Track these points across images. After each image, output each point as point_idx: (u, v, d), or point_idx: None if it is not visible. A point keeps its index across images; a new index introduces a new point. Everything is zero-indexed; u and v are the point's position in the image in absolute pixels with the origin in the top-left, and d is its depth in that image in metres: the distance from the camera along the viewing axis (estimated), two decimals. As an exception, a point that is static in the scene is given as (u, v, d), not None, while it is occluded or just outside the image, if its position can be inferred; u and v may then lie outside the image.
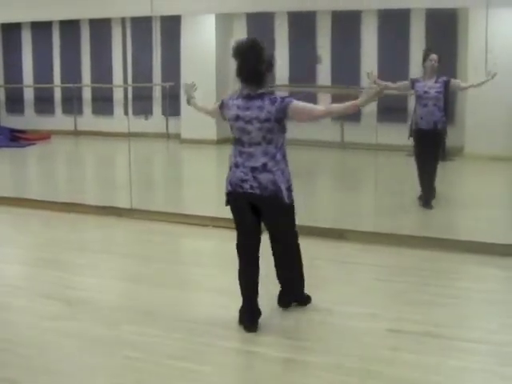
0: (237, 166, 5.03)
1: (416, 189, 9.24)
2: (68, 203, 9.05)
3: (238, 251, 5.22)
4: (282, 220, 5.29)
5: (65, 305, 5.59)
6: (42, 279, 6.30)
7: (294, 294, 5.54)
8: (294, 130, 14.61)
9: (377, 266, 6.71)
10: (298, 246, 5.53)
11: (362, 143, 12.17)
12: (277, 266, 5.47)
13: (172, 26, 14.16)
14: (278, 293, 5.51)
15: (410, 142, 9.45)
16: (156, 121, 14.77)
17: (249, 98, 5.01)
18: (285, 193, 5.04)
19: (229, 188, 5.09)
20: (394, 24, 13.01)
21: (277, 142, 5.00)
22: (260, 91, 5.00)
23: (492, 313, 5.48)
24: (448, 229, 7.93)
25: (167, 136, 14.10)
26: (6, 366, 4.53)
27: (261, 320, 5.16)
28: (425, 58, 8.93)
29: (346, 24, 13.53)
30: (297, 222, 7.80)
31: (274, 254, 5.43)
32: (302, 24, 13.99)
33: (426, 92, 8.82)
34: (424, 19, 12.80)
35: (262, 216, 5.17)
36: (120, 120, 14.93)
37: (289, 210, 5.26)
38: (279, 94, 5.08)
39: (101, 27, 15.50)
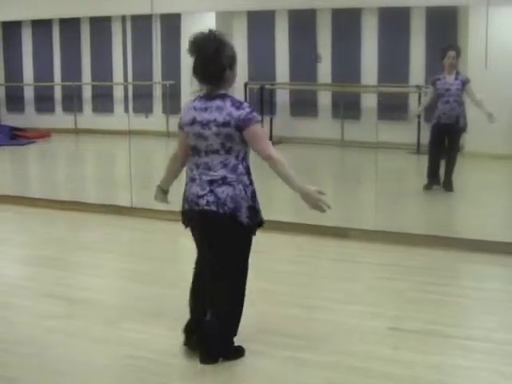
0: (193, 179, 4.35)
1: (417, 186, 9.25)
2: (68, 201, 9.05)
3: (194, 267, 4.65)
4: (232, 248, 4.37)
5: (65, 304, 5.58)
6: (43, 278, 6.29)
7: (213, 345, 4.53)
8: (293, 128, 14.72)
9: (378, 265, 6.71)
10: (242, 294, 4.53)
11: (362, 141, 12.17)
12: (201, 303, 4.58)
13: (172, 24, 14.14)
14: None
15: (411, 139, 9.50)
16: (156, 119, 14.76)
17: (208, 98, 4.34)
18: (244, 212, 4.27)
19: (185, 206, 4.43)
20: (394, 22, 13.00)
21: (238, 152, 4.29)
22: (222, 92, 4.36)
23: (494, 311, 5.47)
24: (450, 227, 7.92)
25: (167, 134, 14.09)
26: (6, 365, 4.52)
27: (261, 319, 5.16)
28: (443, 56, 9.26)
29: (347, 22, 13.52)
30: (298, 221, 7.88)
31: (204, 291, 4.54)
32: (303, 22, 13.99)
33: (447, 89, 9.22)
34: (424, 17, 12.80)
35: (207, 241, 4.41)
36: (120, 118, 14.93)
37: (245, 237, 4.40)
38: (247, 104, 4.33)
39: (101, 25, 15.49)
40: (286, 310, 5.41)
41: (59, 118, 16.28)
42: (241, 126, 4.21)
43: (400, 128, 12.52)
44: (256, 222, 4.41)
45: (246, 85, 14.13)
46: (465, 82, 9.20)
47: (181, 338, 4.49)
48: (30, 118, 16.42)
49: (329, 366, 4.45)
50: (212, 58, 4.27)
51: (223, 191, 4.23)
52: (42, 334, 4.99)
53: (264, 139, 4.33)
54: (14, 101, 16.84)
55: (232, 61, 4.41)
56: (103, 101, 15.81)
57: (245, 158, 4.34)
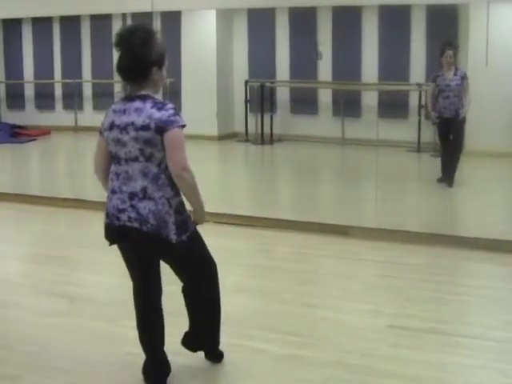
0: (113, 191, 3.90)
1: (417, 184, 9.25)
2: (69, 199, 9.05)
3: (133, 298, 4.22)
4: (179, 264, 4.10)
5: (66, 301, 5.59)
6: (44, 276, 6.29)
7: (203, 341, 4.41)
8: (294, 126, 14.74)
9: (378, 262, 6.71)
10: (217, 300, 4.31)
11: (362, 139, 12.18)
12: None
13: (172, 21, 14.15)
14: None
15: (412, 137, 9.55)
16: (157, 116, 14.75)
17: (128, 99, 3.86)
18: (172, 229, 3.81)
19: (105, 220, 3.99)
20: (394, 20, 13.03)
21: (160, 160, 3.80)
22: (143, 92, 3.85)
23: (494, 310, 5.48)
24: (450, 225, 7.92)
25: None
26: (7, 362, 4.53)
27: (261, 316, 5.18)
28: (441, 54, 9.48)
29: (347, 20, 13.55)
30: (295, 218, 7.89)
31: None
32: (303, 20, 14.01)
33: (447, 85, 9.47)
34: (425, 14, 12.82)
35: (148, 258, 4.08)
36: (121, 116, 14.91)
37: (183, 251, 3.94)
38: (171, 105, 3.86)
39: (101, 23, 15.49)
40: (286, 308, 5.42)
41: (59, 116, 16.30)
42: (161, 128, 3.72)
43: (400, 126, 12.54)
44: (186, 233, 3.91)
45: (246, 82, 14.14)
46: (463, 78, 9.43)
47: (180, 334, 4.47)
48: (30, 116, 16.43)
49: (328, 363, 4.45)
50: (138, 51, 3.76)
51: (145, 207, 3.79)
52: (43, 332, 4.99)
53: (183, 148, 3.78)
54: (15, 98, 16.86)
55: (161, 59, 3.88)
56: (104, 98, 15.76)
57: (167, 168, 3.82)
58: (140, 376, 4.18)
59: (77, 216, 8.51)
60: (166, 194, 3.81)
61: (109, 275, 6.32)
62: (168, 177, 3.81)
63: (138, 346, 4.27)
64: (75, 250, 7.13)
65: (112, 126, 3.84)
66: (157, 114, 3.75)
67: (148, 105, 3.79)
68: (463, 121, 9.48)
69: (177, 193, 3.86)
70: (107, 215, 3.96)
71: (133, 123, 3.77)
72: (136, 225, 3.82)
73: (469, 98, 9.44)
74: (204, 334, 4.38)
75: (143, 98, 3.82)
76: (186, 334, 4.38)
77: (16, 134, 15.31)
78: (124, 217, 3.85)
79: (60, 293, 5.78)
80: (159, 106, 3.79)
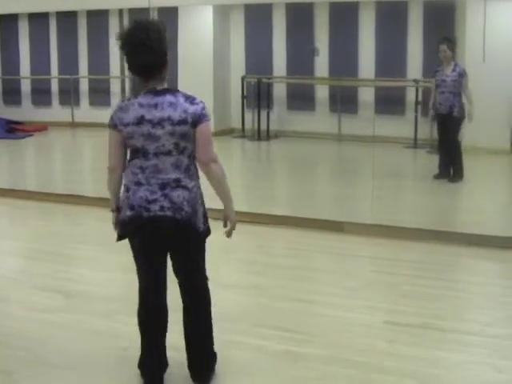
0: (139, 183, 3.82)
1: (413, 180, 9.25)
2: (65, 195, 9.04)
3: (140, 297, 4.13)
4: (194, 257, 4.07)
5: (62, 297, 5.59)
6: (40, 271, 6.29)
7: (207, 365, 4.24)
8: (290, 122, 14.71)
9: (374, 258, 6.72)
10: (209, 300, 4.19)
11: (359, 135, 12.18)
12: (186, 324, 4.16)
13: (169, 17, 14.12)
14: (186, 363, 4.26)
15: (408, 133, 9.57)
16: (153, 112, 14.75)
17: (155, 93, 3.83)
18: (200, 218, 3.92)
19: (127, 213, 3.85)
20: (391, 15, 13.03)
21: (191, 151, 3.86)
22: (164, 86, 3.88)
23: (490, 306, 5.48)
24: (447, 221, 7.93)
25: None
26: (3, 358, 4.53)
27: (257, 313, 5.18)
28: (438, 49, 9.53)
29: (344, 15, 13.54)
30: (291, 214, 7.89)
31: (183, 307, 4.16)
32: (300, 15, 14.00)
33: (443, 80, 9.47)
34: (422, 10, 12.83)
35: (169, 252, 4.03)
36: (117, 112, 14.91)
37: (202, 243, 4.07)
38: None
39: (98, 19, 15.48)
40: (281, 304, 5.42)
41: (56, 112, 16.28)
42: (196, 121, 3.79)
43: (397, 122, 12.54)
44: (206, 225, 4.00)
45: (243, 78, 14.14)
46: (461, 74, 9.40)
47: (177, 330, 4.45)
48: (26, 112, 16.42)
49: (325, 359, 4.46)
50: (157, 46, 3.76)
51: (179, 195, 3.81)
52: (39, 327, 4.99)
53: (212, 141, 3.89)
54: (11, 94, 16.85)
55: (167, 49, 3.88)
56: (100, 94, 15.80)
57: (195, 158, 3.91)
58: (136, 371, 4.18)
59: (73, 212, 8.51)
60: (197, 183, 3.90)
61: (105, 271, 6.32)
62: (196, 168, 3.91)
63: (135, 342, 4.27)
64: (71, 245, 7.13)
65: (141, 121, 3.78)
66: (191, 108, 3.79)
67: (181, 99, 3.81)
68: (458, 117, 9.40)
69: (200, 185, 3.94)
70: (132, 208, 3.83)
71: (169, 118, 3.76)
72: (169, 213, 3.79)
73: (469, 95, 9.40)
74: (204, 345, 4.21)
75: (172, 92, 3.84)
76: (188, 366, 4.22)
77: (12, 129, 15.30)
78: (155, 207, 3.79)
79: (56, 288, 5.78)
80: (191, 100, 3.83)
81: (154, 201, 3.79)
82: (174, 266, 4.07)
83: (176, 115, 3.76)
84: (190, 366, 4.18)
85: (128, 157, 3.95)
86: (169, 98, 3.80)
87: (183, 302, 4.13)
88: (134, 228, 3.88)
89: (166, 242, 3.95)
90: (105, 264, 6.52)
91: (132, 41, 3.77)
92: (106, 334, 4.88)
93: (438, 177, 9.66)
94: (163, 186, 3.80)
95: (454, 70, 9.42)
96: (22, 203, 8.90)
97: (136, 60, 3.80)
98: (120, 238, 4.02)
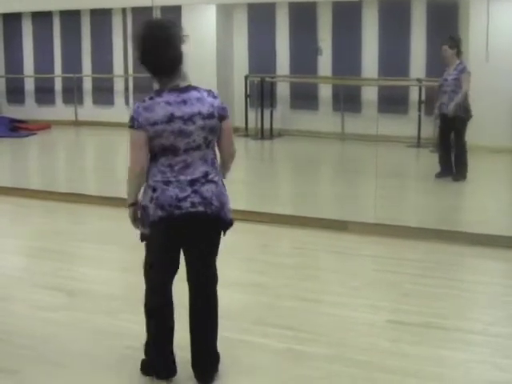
0: (168, 183, 3.85)
1: (416, 180, 9.24)
2: (68, 193, 9.05)
3: (152, 290, 4.12)
4: (213, 251, 4.13)
5: (65, 295, 5.60)
6: (43, 270, 6.30)
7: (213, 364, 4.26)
8: (293, 121, 14.69)
9: (377, 258, 6.72)
10: (217, 299, 4.22)
11: (362, 134, 12.17)
12: (193, 322, 4.16)
13: (172, 16, 14.13)
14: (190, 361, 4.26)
15: (411, 132, 9.57)
16: (156, 111, 14.75)
17: (180, 90, 3.90)
18: (227, 210, 4.03)
19: (158, 213, 3.85)
20: (394, 14, 13.01)
21: (213, 145, 3.99)
22: (186, 83, 3.97)
23: (493, 305, 5.48)
24: (450, 220, 7.92)
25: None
26: (6, 356, 4.53)
27: (260, 311, 5.18)
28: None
29: (347, 14, 13.53)
30: (294, 213, 7.89)
31: (191, 305, 4.17)
32: (303, 14, 13.99)
33: (445, 80, 9.46)
34: (425, 9, 12.80)
35: (188, 247, 4.06)
36: (121, 110, 14.93)
37: (220, 239, 4.13)
38: None
39: (101, 17, 15.48)
40: (285, 303, 5.42)
41: (59, 110, 16.28)
42: (222, 115, 3.96)
43: (400, 121, 12.53)
44: (232, 220, 4.08)
45: (246, 77, 14.13)
46: (461, 71, 9.34)
47: (180, 329, 4.45)
48: (30, 110, 16.42)
49: (328, 358, 4.46)
50: (177, 43, 3.90)
51: (207, 190, 3.89)
52: (42, 326, 5.00)
53: (232, 133, 4.11)
54: (15, 93, 16.85)
55: None
56: (104, 93, 15.81)
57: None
58: (139, 368, 4.19)
59: (76, 210, 8.52)
60: (221, 176, 4.03)
61: (108, 269, 6.33)
62: (217, 159, 4.03)
63: (137, 340, 4.28)
64: (74, 244, 7.13)
65: (171, 118, 3.81)
66: (216, 102, 3.95)
67: (204, 93, 3.94)
68: (463, 117, 9.36)
69: None
70: (162, 208, 3.84)
71: (200, 113, 3.86)
72: (201, 208, 3.88)
73: (463, 93, 9.27)
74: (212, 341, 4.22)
75: (195, 88, 3.95)
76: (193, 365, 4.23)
77: (16, 128, 15.30)
78: (186, 204, 3.85)
79: (59, 287, 5.79)
80: (212, 95, 3.99)
81: (185, 198, 3.85)
82: (190, 260, 4.09)
83: (205, 110, 3.88)
84: (194, 365, 4.19)
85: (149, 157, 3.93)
86: (194, 93, 3.90)
87: (192, 299, 4.14)
88: (165, 228, 3.89)
89: (192, 236, 4.00)
90: (108, 262, 6.53)
91: (153, 40, 3.84)
92: (108, 332, 4.88)
93: (439, 175, 9.64)
94: (192, 183, 3.87)
95: (455, 69, 9.38)
96: (25, 202, 8.91)
97: (160, 58, 3.87)
98: (145, 238, 4.03)
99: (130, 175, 3.94)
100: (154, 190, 3.86)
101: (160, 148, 3.85)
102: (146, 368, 4.22)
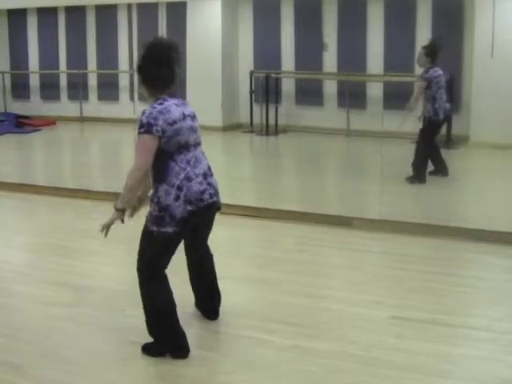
0: (189, 178, 4.21)
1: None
2: (74, 189, 9.07)
3: (156, 278, 4.47)
4: (210, 228, 4.72)
5: (71, 291, 5.60)
6: (48, 266, 6.31)
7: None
8: (298, 117, 14.70)
9: (382, 254, 6.72)
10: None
11: (367, 130, 12.17)
12: (199, 270, 4.85)
13: (178, 11, 14.15)
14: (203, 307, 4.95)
15: (416, 129, 9.55)
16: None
17: (172, 96, 4.36)
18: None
19: (188, 208, 4.18)
20: (400, 11, 13.01)
21: None
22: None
23: (498, 301, 5.48)
24: (454, 217, 7.92)
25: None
26: (12, 351, 4.55)
27: (265, 307, 5.19)
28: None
29: (353, 10, 13.54)
30: (299, 209, 7.92)
31: (199, 269, 4.84)
32: (309, 10, 14.00)
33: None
34: (430, 6, 12.79)
35: (194, 233, 4.55)
36: (126, 106, 14.98)
37: None
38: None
39: (107, 13, 15.51)
40: (290, 299, 5.42)
41: (64, 106, 16.33)
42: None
43: (406, 117, 12.51)
44: None
45: (251, 73, 14.14)
46: (422, 77, 9.30)
47: (185, 325, 4.49)
48: (35, 106, 16.46)
49: (332, 354, 4.46)
50: (178, 64, 4.36)
51: (214, 181, 4.42)
52: (48, 321, 5.01)
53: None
54: (20, 89, 16.89)
55: None
56: (109, 89, 15.84)
57: None
58: (144, 364, 4.21)
59: (81, 206, 8.53)
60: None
61: (114, 265, 6.34)
62: None
63: (143, 336, 4.29)
64: (80, 240, 7.14)
65: (184, 116, 4.28)
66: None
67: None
68: (432, 119, 9.33)
69: None
70: (190, 203, 4.20)
71: (194, 113, 4.42)
72: (215, 198, 4.38)
73: (416, 93, 9.41)
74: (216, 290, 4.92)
75: (176, 96, 4.41)
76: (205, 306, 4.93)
77: (21, 124, 15.34)
78: (206, 196, 4.27)
79: (64, 282, 5.80)
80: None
81: (204, 191, 4.27)
82: (194, 242, 4.68)
83: (193, 111, 4.44)
84: (205, 304, 4.89)
85: (158, 157, 4.20)
86: (180, 99, 4.40)
87: (196, 259, 4.80)
88: (191, 221, 4.26)
89: (203, 224, 4.53)
90: (113, 258, 6.54)
91: (160, 57, 4.25)
92: (114, 327, 4.89)
93: (433, 173, 9.52)
94: (205, 176, 4.32)
95: (426, 72, 9.27)
96: (30, 197, 8.93)
97: (166, 73, 4.28)
98: (162, 236, 4.27)
99: (136, 179, 4.18)
100: (179, 188, 4.18)
101: (176, 146, 4.20)
102: (155, 349, 4.42)
